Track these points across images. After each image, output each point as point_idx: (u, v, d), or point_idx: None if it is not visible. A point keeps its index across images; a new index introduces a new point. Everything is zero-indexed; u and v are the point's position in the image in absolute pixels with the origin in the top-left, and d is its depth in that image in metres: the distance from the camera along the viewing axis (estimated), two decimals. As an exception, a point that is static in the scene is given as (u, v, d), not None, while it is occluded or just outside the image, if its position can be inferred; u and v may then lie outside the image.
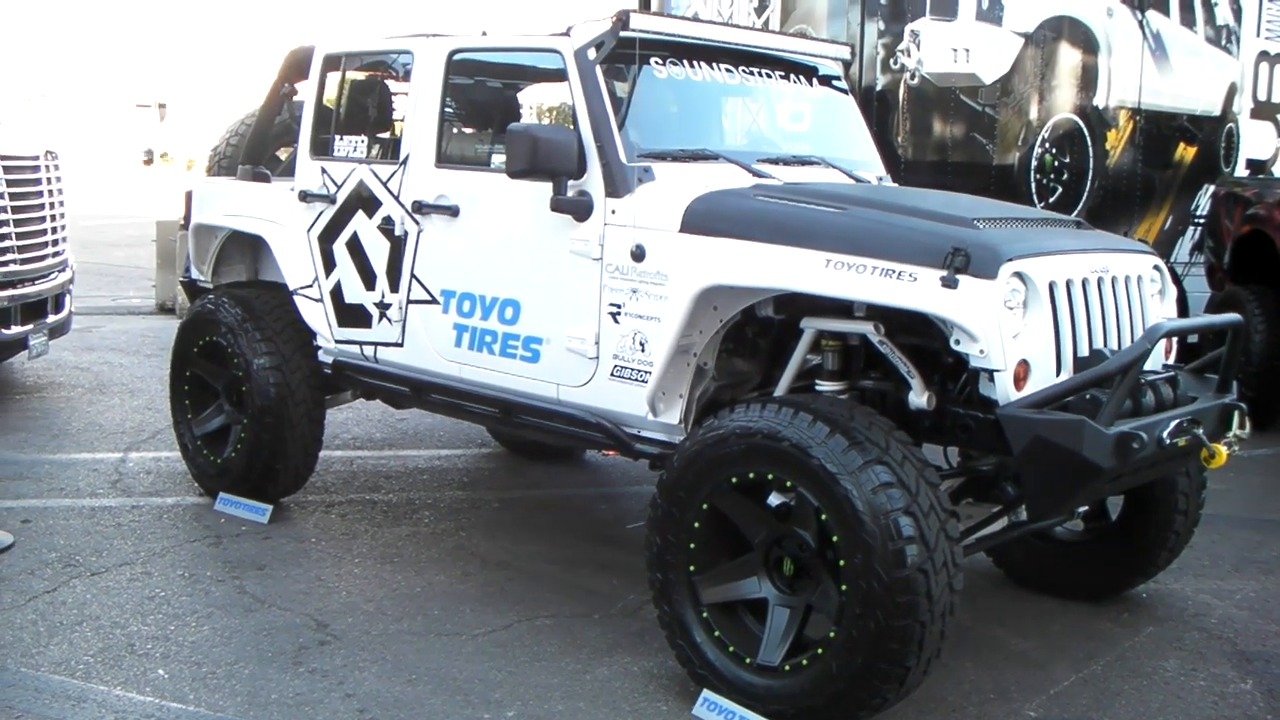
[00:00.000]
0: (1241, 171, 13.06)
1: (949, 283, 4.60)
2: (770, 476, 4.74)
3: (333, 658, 5.39)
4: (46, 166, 9.85)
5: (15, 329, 9.33)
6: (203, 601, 5.94)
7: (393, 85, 7.20)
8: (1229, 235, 11.29)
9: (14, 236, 9.40)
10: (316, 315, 6.99)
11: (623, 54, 5.74)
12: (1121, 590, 6.38)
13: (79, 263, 10.63)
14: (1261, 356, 10.31)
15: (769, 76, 6.49)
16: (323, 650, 5.46)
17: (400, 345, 6.53)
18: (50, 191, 9.86)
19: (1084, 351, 4.97)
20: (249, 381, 7.07)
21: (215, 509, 7.25)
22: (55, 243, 9.89)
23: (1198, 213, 12.74)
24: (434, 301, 6.32)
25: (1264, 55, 13.26)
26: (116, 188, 38.72)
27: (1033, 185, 11.43)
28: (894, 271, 4.72)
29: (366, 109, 7.16)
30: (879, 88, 10.90)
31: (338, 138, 6.97)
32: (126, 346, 12.41)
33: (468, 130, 7.21)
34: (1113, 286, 5.20)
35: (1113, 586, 6.35)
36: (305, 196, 6.97)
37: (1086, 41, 11.67)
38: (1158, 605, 6.37)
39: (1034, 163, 11.43)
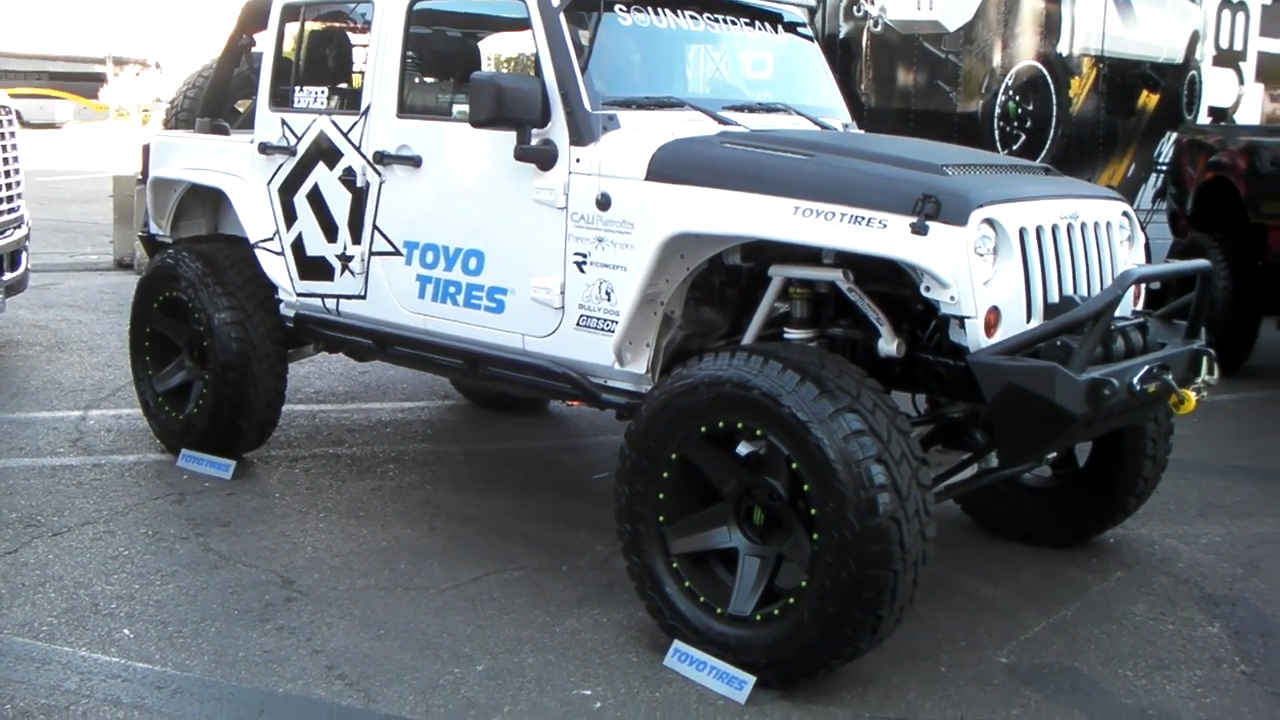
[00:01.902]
0: (1204, 119, 13.09)
1: (919, 229, 4.56)
2: (740, 425, 4.71)
3: (300, 614, 5.35)
4: (1, 121, 9.70)
5: (-30, 287, 9.21)
6: (167, 560, 5.89)
7: (353, 35, 7.12)
8: (1191, 182, 11.33)
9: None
10: (278, 268, 6.91)
11: (587, 1, 5.67)
12: (1090, 536, 6.41)
13: (34, 219, 10.49)
14: (1224, 303, 10.35)
15: (734, 24, 6.42)
16: (289, 607, 5.42)
17: (363, 298, 6.47)
18: (4, 147, 9.71)
19: (1054, 298, 4.95)
20: (210, 337, 6.99)
21: (178, 466, 7.18)
22: (10, 199, 9.74)
23: (1160, 160, 12.77)
24: (397, 253, 6.25)
25: (1226, 3, 13.28)
26: (71, 143, 38.35)
27: (996, 133, 11.42)
28: (863, 218, 4.68)
29: (326, 59, 7.07)
30: (842, 35, 10.88)
31: (297, 89, 6.88)
32: (85, 303, 12.28)
33: (430, 80, 7.13)
34: (1082, 233, 5.18)
35: (1082, 533, 6.38)
36: (265, 149, 6.89)
37: (1050, -12, 11.66)
38: (1126, 551, 6.40)
39: (997, 110, 11.42)
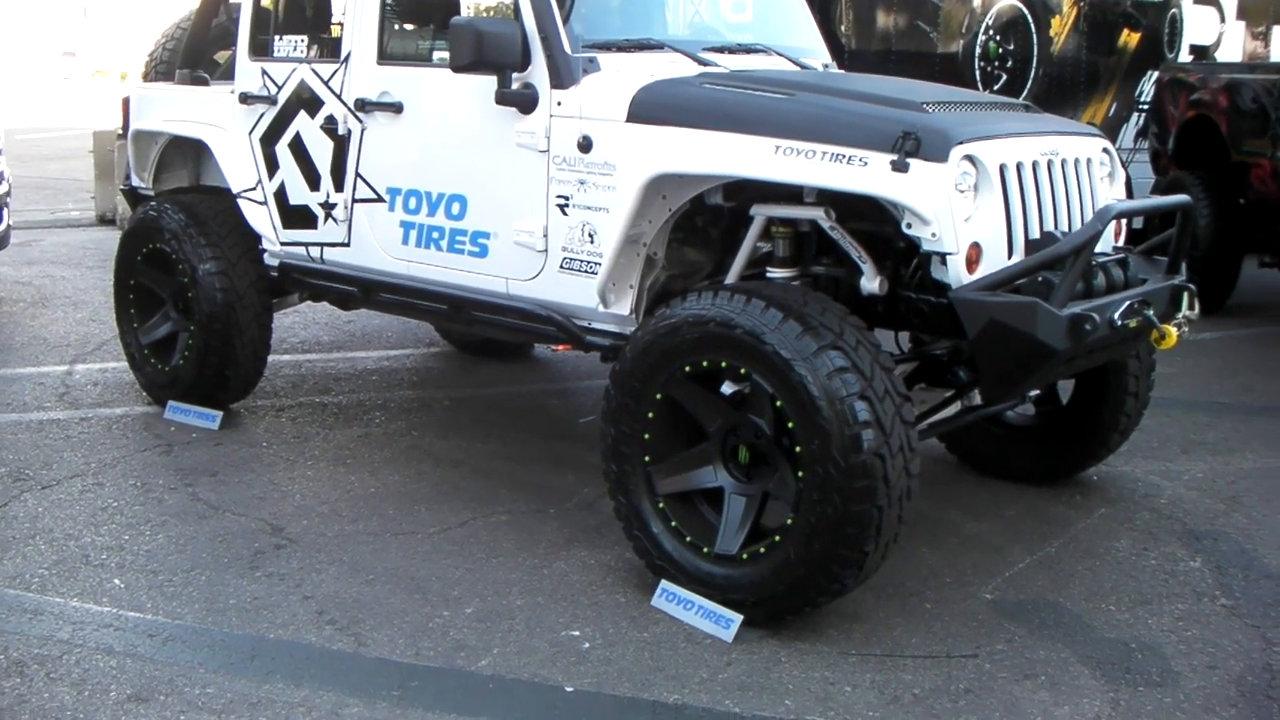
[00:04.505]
0: (1185, 57, 13.08)
1: (900, 166, 4.57)
2: (724, 364, 4.72)
3: (289, 561, 5.37)
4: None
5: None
6: (156, 510, 5.90)
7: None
8: (1173, 121, 11.34)
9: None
10: (261, 218, 6.90)
11: (565, -57, 5.65)
12: (1073, 473, 6.45)
13: (14, 177, 10.44)
14: (1206, 241, 10.39)
15: (713, -35, 6.42)
16: (279, 554, 5.44)
17: (347, 245, 6.47)
18: (-17, 102, 9.67)
19: (1035, 234, 4.96)
20: (195, 288, 6.98)
21: (165, 417, 7.19)
22: (-10, 155, 9.72)
23: (1142, 99, 12.76)
24: (380, 200, 6.24)
25: (1206, -61, 13.25)
26: (50, 99, 38.13)
27: (977, 73, 11.40)
28: (844, 156, 4.68)
29: (305, 8, 7.04)
30: (822, -23, 10.81)
31: (277, 38, 6.86)
32: (67, 259, 12.25)
33: (409, 26, 7.10)
34: (1063, 169, 5.19)
35: (1065, 469, 6.42)
36: (246, 98, 6.86)
37: (1030, -74, 11.62)
38: (1109, 487, 6.44)
39: (978, 50, 11.39)
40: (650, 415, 4.95)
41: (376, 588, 5.13)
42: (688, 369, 4.83)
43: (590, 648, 4.69)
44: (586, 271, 5.43)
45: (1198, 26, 13.27)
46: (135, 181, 7.93)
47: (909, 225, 4.66)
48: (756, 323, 4.57)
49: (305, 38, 6.78)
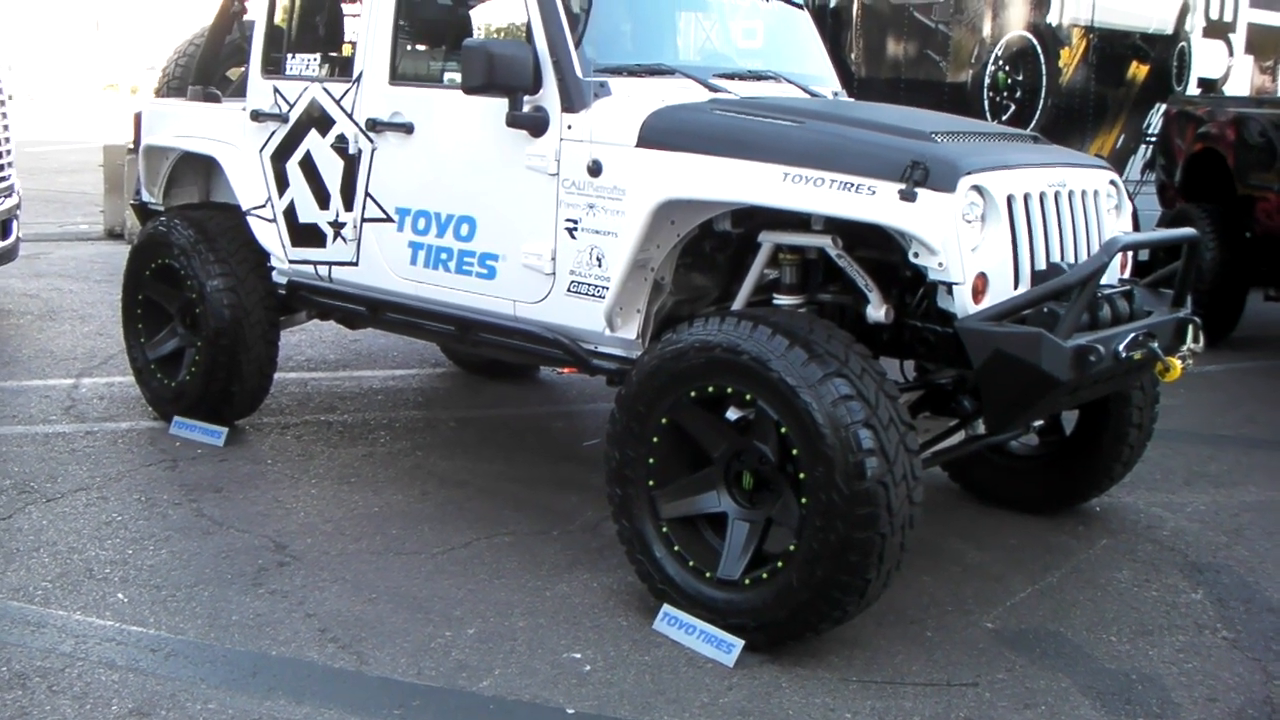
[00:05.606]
0: (1193, 90, 13.10)
1: (908, 196, 4.59)
2: (729, 390, 4.74)
3: (292, 578, 5.38)
4: (-9, 91, 9.68)
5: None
6: (160, 525, 5.91)
7: (344, 4, 7.12)
8: (1180, 153, 11.36)
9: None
10: (270, 235, 6.93)
11: (578, -33, 5.68)
12: (1076, 503, 6.45)
13: (23, 189, 10.46)
14: (1212, 274, 10.40)
15: (725, -8, 6.45)
16: (282, 571, 5.45)
17: (355, 264, 6.49)
18: (-5, 115, 9.69)
19: (1041, 265, 4.98)
20: (203, 304, 6.99)
21: (170, 432, 7.20)
22: (1, 168, 9.73)
23: (1149, 131, 12.78)
24: (389, 219, 6.27)
25: (1216, -27, 13.29)
26: (60, 113, 38.22)
27: (986, 103, 11.43)
28: (852, 185, 4.70)
29: (318, 27, 7.08)
30: (832, 4, 10.86)
31: (290, 56, 6.89)
32: (75, 273, 12.27)
33: (421, 47, 7.14)
34: (1070, 201, 5.20)
35: (1068, 500, 6.42)
36: (257, 116, 6.90)
37: (1040, -42, 11.66)
38: (1111, 518, 6.44)
39: (987, 80, 11.42)
40: (655, 439, 4.97)
41: (379, 606, 5.14)
42: (693, 394, 4.84)
43: (592, 670, 4.70)
44: (594, 295, 5.45)
45: (1206, 60, 13.30)
46: (145, 196, 7.96)
47: (916, 254, 4.68)
48: (763, 349, 4.58)
49: (318, 56, 6.82)
